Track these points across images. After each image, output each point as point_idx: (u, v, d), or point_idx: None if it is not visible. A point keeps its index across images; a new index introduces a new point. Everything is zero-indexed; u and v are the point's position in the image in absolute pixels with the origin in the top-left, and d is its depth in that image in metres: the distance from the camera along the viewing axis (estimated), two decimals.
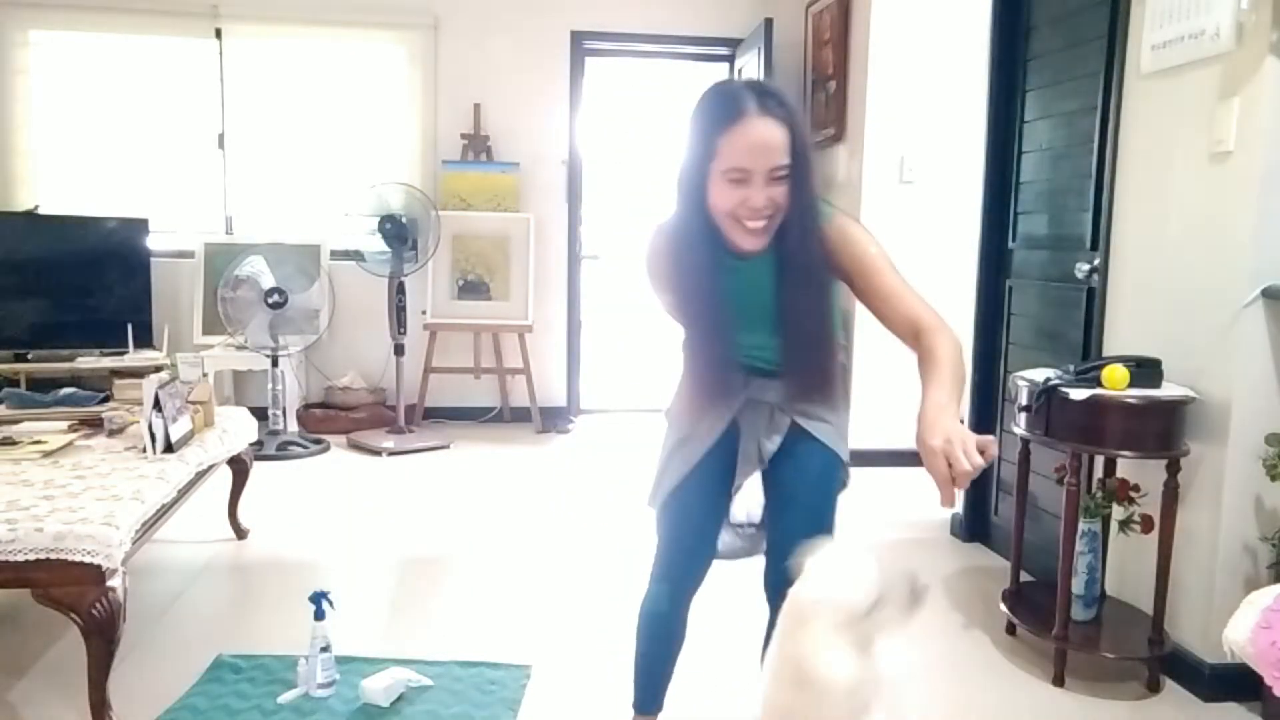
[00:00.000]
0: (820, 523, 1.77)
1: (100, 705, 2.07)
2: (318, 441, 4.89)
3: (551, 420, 5.51)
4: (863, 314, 5.30)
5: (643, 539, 2.04)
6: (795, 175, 1.61)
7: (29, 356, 4.72)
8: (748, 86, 1.62)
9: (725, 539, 1.91)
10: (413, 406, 5.33)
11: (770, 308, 1.74)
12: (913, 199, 4.65)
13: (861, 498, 4.22)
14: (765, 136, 1.57)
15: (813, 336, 1.74)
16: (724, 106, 1.60)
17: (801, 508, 1.80)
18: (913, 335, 1.63)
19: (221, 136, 5.34)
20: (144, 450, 2.65)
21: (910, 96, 4.61)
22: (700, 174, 1.63)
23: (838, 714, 1.34)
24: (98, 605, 2.01)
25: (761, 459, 1.84)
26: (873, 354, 4.54)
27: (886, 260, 1.71)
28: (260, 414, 4.29)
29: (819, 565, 1.44)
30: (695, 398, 1.83)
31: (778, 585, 1.73)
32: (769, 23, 4.91)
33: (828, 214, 1.71)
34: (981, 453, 1.37)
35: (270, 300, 4.68)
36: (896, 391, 4.65)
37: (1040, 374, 2.55)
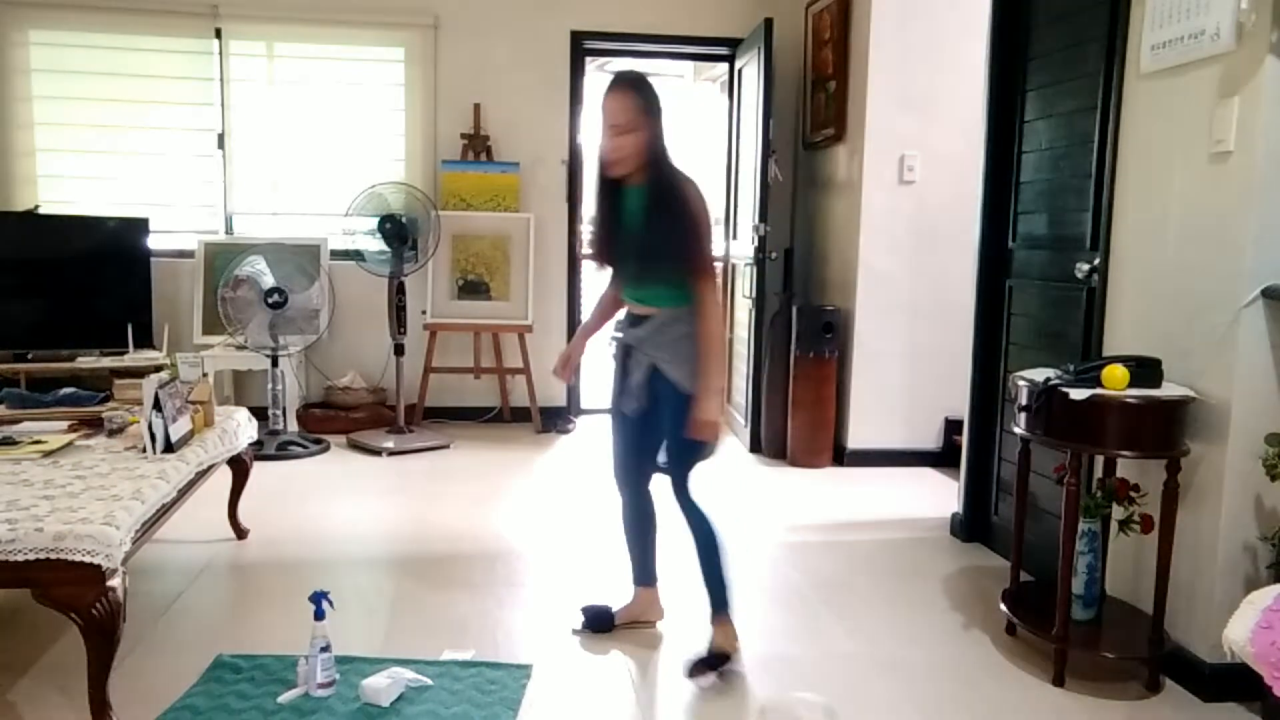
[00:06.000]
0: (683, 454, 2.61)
1: (100, 705, 2.08)
2: (318, 441, 4.89)
3: (551, 420, 5.51)
4: (862, 319, 5.27)
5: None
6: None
7: (29, 356, 4.72)
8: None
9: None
10: (413, 406, 5.33)
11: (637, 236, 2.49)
12: (913, 199, 4.65)
13: (862, 497, 4.24)
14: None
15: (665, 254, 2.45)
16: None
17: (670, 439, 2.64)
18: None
19: (221, 136, 5.34)
20: (144, 450, 2.65)
21: (910, 96, 4.62)
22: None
23: None
24: (98, 605, 2.02)
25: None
26: (871, 354, 4.56)
27: None
28: (260, 414, 4.29)
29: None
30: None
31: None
32: (769, 23, 4.91)
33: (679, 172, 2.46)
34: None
35: (270, 300, 4.68)
36: (895, 392, 4.67)
37: (1040, 374, 2.55)
